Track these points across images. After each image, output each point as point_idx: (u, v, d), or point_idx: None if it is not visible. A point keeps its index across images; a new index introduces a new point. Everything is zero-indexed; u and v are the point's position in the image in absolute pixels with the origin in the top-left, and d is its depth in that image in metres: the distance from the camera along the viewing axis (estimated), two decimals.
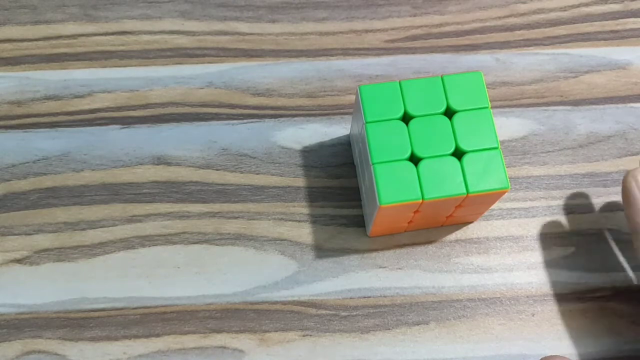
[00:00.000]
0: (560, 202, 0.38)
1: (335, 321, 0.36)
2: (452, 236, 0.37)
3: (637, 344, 0.35)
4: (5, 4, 0.42)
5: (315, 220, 0.37)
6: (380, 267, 0.37)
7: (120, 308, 0.36)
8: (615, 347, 0.35)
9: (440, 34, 0.41)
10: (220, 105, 0.40)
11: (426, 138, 0.31)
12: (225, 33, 0.41)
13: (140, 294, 0.36)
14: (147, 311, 0.36)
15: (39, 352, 0.35)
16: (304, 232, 0.37)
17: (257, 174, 0.38)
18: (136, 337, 0.35)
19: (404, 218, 0.33)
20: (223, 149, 0.39)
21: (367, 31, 0.41)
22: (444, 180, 0.30)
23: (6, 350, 0.35)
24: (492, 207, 0.38)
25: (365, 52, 0.41)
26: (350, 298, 0.36)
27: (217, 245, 0.37)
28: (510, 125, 0.39)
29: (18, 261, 0.37)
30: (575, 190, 0.38)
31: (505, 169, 0.30)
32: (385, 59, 0.41)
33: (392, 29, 0.42)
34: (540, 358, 0.34)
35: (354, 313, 0.36)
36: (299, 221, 0.37)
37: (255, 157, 0.39)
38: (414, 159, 0.31)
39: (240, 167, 0.38)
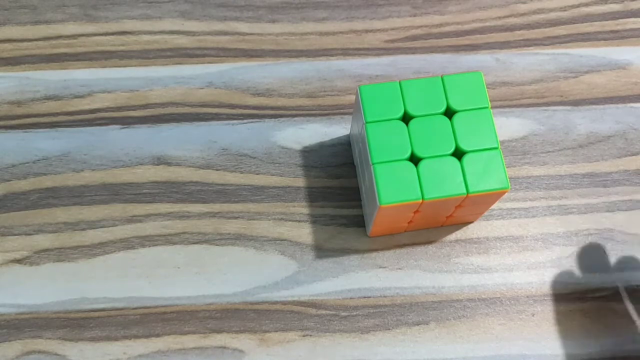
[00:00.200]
0: (560, 202, 0.38)
1: (335, 321, 0.36)
2: (452, 236, 0.37)
3: (637, 344, 0.35)
4: (5, 4, 0.42)
5: (315, 220, 0.37)
6: (380, 267, 0.37)
7: (120, 308, 0.36)
8: (615, 347, 0.35)
9: (440, 34, 0.41)
10: (220, 105, 0.40)
11: (426, 138, 0.31)
12: (225, 33, 0.41)
13: (140, 294, 0.36)
14: (147, 311, 0.36)
15: (39, 352, 0.35)
16: (304, 232, 0.37)
17: (257, 174, 0.38)
18: (136, 337, 0.35)
19: (404, 218, 0.33)
20: (223, 149, 0.39)
21: (367, 31, 0.41)
22: (444, 180, 0.30)
23: (6, 350, 0.35)
24: (492, 207, 0.38)
25: (365, 52, 0.41)
26: (350, 298, 0.36)
27: (217, 245, 0.37)
28: (510, 125, 0.39)
29: (18, 261, 0.37)
30: (575, 190, 0.38)
31: (505, 169, 0.30)
32: (385, 59, 0.41)
33: (392, 29, 0.42)
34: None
35: (354, 313, 0.36)
36: (299, 221, 0.37)
37: (255, 157, 0.39)
38: (414, 159, 0.31)
39: (240, 167, 0.38)
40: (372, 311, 0.36)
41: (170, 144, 0.39)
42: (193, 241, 0.37)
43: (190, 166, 0.38)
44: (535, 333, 0.36)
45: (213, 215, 0.37)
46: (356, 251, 0.37)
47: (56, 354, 0.35)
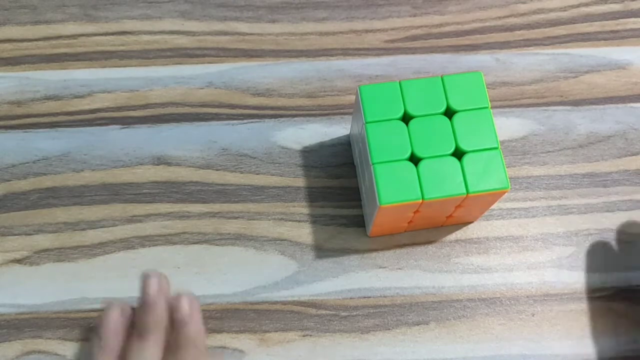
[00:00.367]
0: (560, 202, 0.38)
1: (335, 321, 0.36)
2: (452, 236, 0.37)
3: (637, 344, 0.35)
4: (5, 4, 0.42)
5: (315, 220, 0.37)
6: (380, 267, 0.37)
7: None
8: (615, 347, 0.35)
9: (440, 34, 0.41)
10: (220, 105, 0.40)
11: (426, 138, 0.31)
12: (225, 33, 0.41)
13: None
14: None
15: (39, 352, 0.35)
16: (304, 232, 0.37)
17: (257, 174, 0.38)
18: None
19: (404, 218, 0.33)
20: (223, 149, 0.39)
21: (367, 31, 0.41)
22: (444, 180, 0.30)
23: (6, 350, 0.35)
24: (492, 207, 0.38)
25: (365, 52, 0.41)
26: (350, 298, 0.36)
27: (217, 245, 0.37)
28: (510, 125, 0.39)
29: (18, 261, 0.37)
30: (575, 190, 0.38)
31: (505, 169, 0.30)
32: (385, 59, 0.41)
33: (392, 29, 0.42)
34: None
35: (354, 313, 0.36)
36: (299, 221, 0.37)
37: (255, 157, 0.39)
38: (414, 159, 0.31)
39: (240, 167, 0.38)
40: (372, 311, 0.36)
41: (170, 144, 0.39)
42: (193, 241, 0.37)
43: (190, 166, 0.38)
44: (535, 333, 0.36)
45: (213, 215, 0.37)
46: (356, 251, 0.37)
47: (56, 354, 0.35)
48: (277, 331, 0.35)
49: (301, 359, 0.35)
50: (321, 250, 0.37)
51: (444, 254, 0.37)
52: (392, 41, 0.41)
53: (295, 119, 0.40)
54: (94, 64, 0.41)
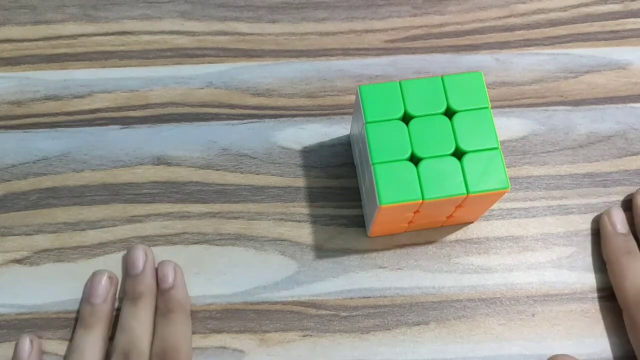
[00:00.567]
0: (561, 202, 0.38)
1: (335, 321, 0.36)
2: (452, 236, 0.37)
3: None
4: (5, 4, 0.42)
5: (315, 220, 0.37)
6: (380, 267, 0.37)
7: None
8: (615, 347, 0.35)
9: (440, 34, 0.41)
10: (220, 105, 0.40)
11: (426, 138, 0.31)
12: (225, 33, 0.41)
13: None
14: None
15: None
16: (304, 233, 0.37)
17: (257, 174, 0.38)
18: None
19: (404, 218, 0.33)
20: (223, 149, 0.39)
21: (367, 31, 0.41)
22: (444, 180, 0.30)
23: (6, 350, 0.35)
24: (492, 207, 0.38)
25: (365, 52, 0.41)
26: (350, 298, 0.36)
27: (217, 245, 0.37)
28: (510, 125, 0.39)
29: (18, 261, 0.37)
30: (575, 190, 0.38)
31: (505, 169, 0.30)
32: (385, 59, 0.41)
33: (392, 29, 0.42)
34: (548, 358, 0.34)
35: (354, 313, 0.36)
36: (299, 221, 0.37)
37: (255, 157, 0.39)
38: (414, 159, 0.31)
39: (240, 167, 0.38)
40: (372, 311, 0.36)
41: (170, 144, 0.39)
42: (193, 241, 0.37)
43: (190, 166, 0.38)
44: (535, 333, 0.36)
45: (213, 215, 0.37)
46: (356, 251, 0.37)
47: (56, 354, 0.35)
48: (277, 331, 0.35)
49: (301, 359, 0.35)
50: (321, 251, 0.37)
51: (444, 254, 0.37)
52: (392, 41, 0.41)
53: (295, 119, 0.40)
54: (94, 64, 0.41)
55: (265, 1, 0.42)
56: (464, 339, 0.35)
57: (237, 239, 0.37)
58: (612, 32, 0.42)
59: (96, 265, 0.36)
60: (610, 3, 0.42)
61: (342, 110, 0.40)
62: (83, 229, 0.37)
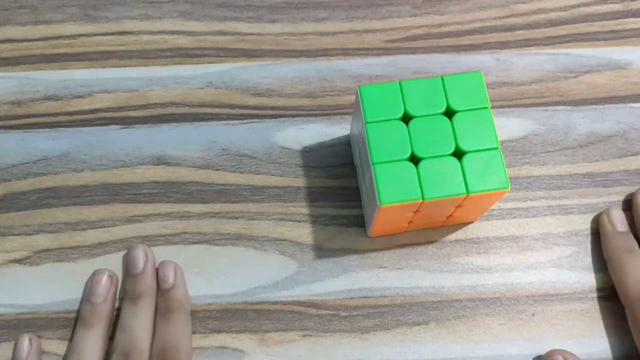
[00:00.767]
0: (560, 202, 0.38)
1: (335, 321, 0.36)
2: (452, 236, 0.37)
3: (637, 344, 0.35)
4: (5, 4, 0.42)
5: (315, 220, 0.37)
6: (380, 267, 0.37)
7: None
8: (615, 347, 0.35)
9: (440, 34, 0.41)
10: (220, 105, 0.40)
11: (426, 138, 0.31)
12: (225, 33, 0.41)
13: None
14: None
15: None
16: (304, 232, 0.37)
17: (257, 174, 0.38)
18: None
19: (404, 218, 0.33)
20: (223, 149, 0.39)
21: (367, 31, 0.41)
22: (444, 180, 0.30)
23: (6, 350, 0.35)
24: (492, 207, 0.38)
25: (365, 52, 0.41)
26: (351, 298, 0.36)
27: (217, 245, 0.37)
28: (510, 125, 0.39)
29: (18, 261, 0.37)
30: (575, 190, 0.38)
31: (505, 169, 0.30)
32: (385, 59, 0.41)
33: (392, 29, 0.42)
34: (546, 352, 0.34)
35: (354, 313, 0.36)
36: (299, 221, 0.37)
37: (255, 157, 0.39)
38: (414, 159, 0.31)
39: (240, 167, 0.38)
40: (372, 311, 0.36)
41: (170, 144, 0.39)
42: (193, 241, 0.37)
43: (190, 166, 0.38)
44: (535, 333, 0.36)
45: (213, 215, 0.37)
46: (356, 251, 0.37)
47: (56, 354, 0.35)
48: (277, 331, 0.35)
49: (301, 359, 0.35)
50: (321, 250, 0.37)
51: (444, 254, 0.37)
52: (392, 41, 0.41)
53: (295, 119, 0.40)
54: (94, 64, 0.41)
55: (265, 1, 0.42)
56: (464, 338, 0.35)
57: (237, 239, 0.37)
58: (612, 32, 0.42)
59: (96, 265, 0.36)
60: (610, 3, 0.42)
61: (342, 110, 0.40)
62: (83, 229, 0.37)
